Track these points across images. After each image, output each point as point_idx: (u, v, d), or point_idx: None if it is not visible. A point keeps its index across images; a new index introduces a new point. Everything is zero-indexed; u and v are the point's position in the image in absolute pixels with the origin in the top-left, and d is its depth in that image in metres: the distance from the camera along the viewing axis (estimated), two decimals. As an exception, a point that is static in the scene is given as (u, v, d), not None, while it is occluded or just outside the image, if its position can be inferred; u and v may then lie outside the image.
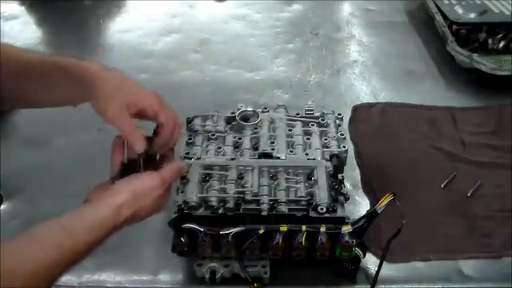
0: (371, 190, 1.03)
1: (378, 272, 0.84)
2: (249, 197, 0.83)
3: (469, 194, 1.02)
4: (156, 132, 0.80)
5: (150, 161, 0.81)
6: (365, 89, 1.33)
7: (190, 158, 0.90)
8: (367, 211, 0.82)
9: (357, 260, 0.84)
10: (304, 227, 0.79)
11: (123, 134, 0.77)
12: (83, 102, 0.79)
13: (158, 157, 0.83)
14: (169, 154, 0.83)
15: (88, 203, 0.72)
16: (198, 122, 0.98)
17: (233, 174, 0.87)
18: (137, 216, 0.73)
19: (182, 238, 0.80)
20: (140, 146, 0.76)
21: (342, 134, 0.96)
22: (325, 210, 0.81)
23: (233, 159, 0.90)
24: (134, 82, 0.79)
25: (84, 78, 0.76)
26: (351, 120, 1.20)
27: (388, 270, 0.88)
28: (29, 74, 0.79)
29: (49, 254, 0.62)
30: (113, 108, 0.74)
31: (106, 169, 0.82)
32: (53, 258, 0.63)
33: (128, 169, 0.79)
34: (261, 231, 0.79)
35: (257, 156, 0.91)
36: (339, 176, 0.89)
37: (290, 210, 0.82)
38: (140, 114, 0.78)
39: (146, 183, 0.74)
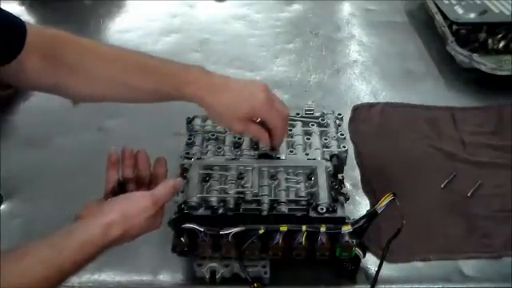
0: (371, 189, 1.03)
1: (377, 272, 0.84)
2: (249, 197, 0.83)
3: (469, 194, 1.02)
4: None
5: (143, 178, 0.81)
6: (365, 89, 1.32)
7: (190, 158, 0.90)
8: (367, 211, 0.82)
9: (357, 260, 0.84)
10: (304, 227, 0.79)
11: (254, 138, 0.90)
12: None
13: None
14: (161, 171, 0.83)
15: (78, 221, 0.71)
16: (198, 122, 0.98)
17: (233, 174, 0.87)
18: (127, 235, 0.72)
19: (181, 238, 0.80)
20: (268, 145, 0.88)
21: (342, 134, 0.96)
22: (325, 209, 0.81)
23: (233, 159, 0.90)
24: (245, 89, 0.83)
25: (189, 86, 0.81)
26: (351, 120, 1.20)
27: (388, 270, 0.88)
28: (132, 78, 0.82)
29: (36, 271, 0.62)
30: (232, 123, 0.83)
31: (105, 169, 0.82)
32: (40, 276, 0.62)
33: (123, 186, 0.79)
34: (261, 231, 0.79)
35: (257, 156, 0.91)
36: (339, 176, 0.89)
37: (290, 209, 0.82)
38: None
39: (137, 203, 0.73)
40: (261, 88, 0.84)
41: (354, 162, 1.10)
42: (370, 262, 0.89)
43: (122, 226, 0.70)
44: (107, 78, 0.82)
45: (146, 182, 0.82)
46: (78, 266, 0.67)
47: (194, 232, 0.80)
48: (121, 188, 0.79)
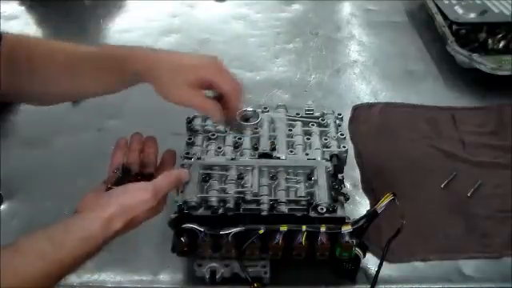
0: (371, 189, 1.03)
1: (377, 272, 0.84)
2: (249, 197, 0.83)
3: (469, 194, 1.02)
4: (220, 101, 0.80)
5: (148, 164, 0.81)
6: (365, 89, 1.33)
7: (190, 158, 0.90)
8: (367, 211, 0.82)
9: (357, 260, 0.84)
10: (304, 227, 0.79)
11: (199, 110, 0.80)
12: (128, 86, 0.81)
13: (158, 162, 0.83)
14: (169, 159, 0.82)
15: (77, 215, 0.71)
16: (197, 122, 0.98)
17: (233, 174, 0.87)
18: (129, 226, 0.71)
19: (182, 238, 0.80)
20: (219, 118, 0.80)
21: (342, 134, 0.96)
22: (325, 210, 0.81)
23: (233, 159, 0.90)
24: (189, 56, 0.79)
25: (134, 63, 0.77)
26: (351, 120, 1.20)
27: (388, 269, 0.88)
28: (77, 67, 0.79)
29: (37, 267, 0.62)
30: (177, 93, 0.77)
31: (106, 169, 0.82)
32: (39, 272, 0.62)
33: (126, 171, 0.79)
34: (261, 231, 0.79)
35: (257, 156, 0.91)
36: (339, 176, 0.89)
37: (290, 209, 0.82)
38: (204, 86, 0.78)
39: (137, 196, 0.72)
40: (209, 56, 0.80)
41: (354, 162, 1.10)
42: (370, 262, 0.89)
43: (123, 219, 0.70)
44: (54, 73, 0.80)
45: (151, 170, 0.81)
46: (79, 262, 0.66)
47: (194, 232, 0.80)
48: (124, 173, 0.78)
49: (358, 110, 1.24)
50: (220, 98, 0.81)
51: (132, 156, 0.81)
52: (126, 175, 0.79)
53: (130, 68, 0.78)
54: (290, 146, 0.94)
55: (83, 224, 0.68)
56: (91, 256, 0.68)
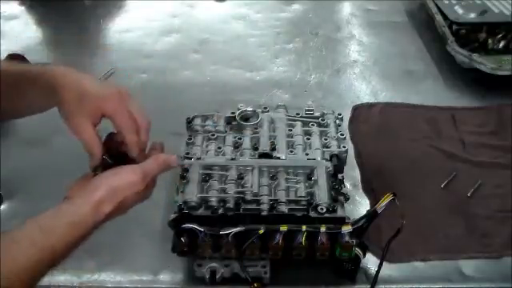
0: (371, 189, 1.03)
1: (377, 272, 0.84)
2: (249, 197, 0.83)
3: (469, 194, 1.02)
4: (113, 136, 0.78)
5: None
6: (365, 89, 1.33)
7: (190, 158, 0.90)
8: (367, 211, 0.82)
9: (357, 260, 0.84)
10: (304, 227, 0.79)
11: (84, 146, 0.76)
12: (53, 107, 0.78)
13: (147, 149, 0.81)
14: (157, 147, 0.81)
15: (67, 200, 0.70)
16: (197, 121, 0.98)
17: (233, 174, 0.86)
18: (119, 209, 0.70)
19: (181, 238, 0.80)
20: (95, 161, 0.76)
21: (342, 134, 0.96)
22: (325, 210, 0.81)
23: (233, 159, 0.89)
24: (96, 86, 0.76)
25: (50, 84, 0.75)
26: (351, 120, 1.20)
27: (388, 269, 0.88)
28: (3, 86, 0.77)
29: (27, 255, 0.61)
30: (75, 121, 0.75)
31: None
32: (31, 259, 0.61)
33: (115, 159, 0.78)
34: (261, 231, 0.79)
35: (257, 156, 0.91)
36: (339, 176, 0.89)
37: (289, 209, 0.82)
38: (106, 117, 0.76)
39: (126, 178, 0.71)
40: (117, 87, 0.77)
41: (354, 161, 1.10)
42: (370, 262, 0.89)
43: (113, 202, 0.69)
44: None
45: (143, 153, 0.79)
46: (70, 247, 0.65)
47: (194, 232, 0.80)
48: (113, 159, 0.77)
49: (358, 109, 1.24)
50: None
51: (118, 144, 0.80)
52: (115, 162, 0.78)
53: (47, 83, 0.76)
54: (290, 145, 0.94)
55: (72, 209, 0.67)
56: (83, 240, 0.67)
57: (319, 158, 0.90)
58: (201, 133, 0.95)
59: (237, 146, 0.93)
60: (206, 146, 0.93)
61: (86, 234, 0.67)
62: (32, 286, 0.62)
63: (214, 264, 0.84)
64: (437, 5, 1.45)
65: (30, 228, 0.64)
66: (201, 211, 0.82)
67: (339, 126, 0.99)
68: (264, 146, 0.92)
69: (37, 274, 0.62)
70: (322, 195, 0.83)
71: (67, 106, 0.75)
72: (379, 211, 0.80)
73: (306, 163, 0.89)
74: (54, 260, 0.64)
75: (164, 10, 1.63)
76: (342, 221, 0.80)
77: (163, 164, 0.76)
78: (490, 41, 1.35)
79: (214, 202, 0.82)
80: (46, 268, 0.64)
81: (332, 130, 0.97)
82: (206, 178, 0.86)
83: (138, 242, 0.94)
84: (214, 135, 0.95)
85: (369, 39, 1.52)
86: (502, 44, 1.34)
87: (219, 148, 0.92)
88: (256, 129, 0.96)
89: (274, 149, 0.92)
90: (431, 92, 1.31)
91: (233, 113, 0.99)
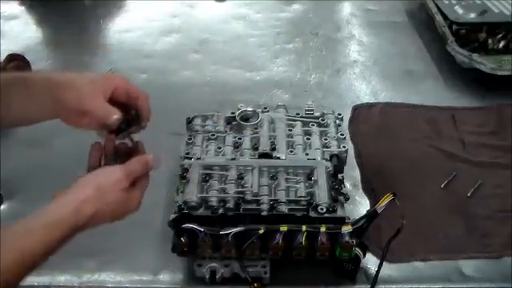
0: (371, 189, 1.03)
1: (377, 272, 0.84)
2: (249, 197, 0.83)
3: (469, 194, 1.02)
4: (131, 112, 0.79)
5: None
6: (365, 89, 1.33)
7: (190, 158, 0.90)
8: (367, 211, 0.82)
9: (357, 260, 0.84)
10: (304, 227, 0.79)
11: (99, 113, 0.76)
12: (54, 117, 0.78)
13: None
14: (139, 147, 0.81)
15: (52, 200, 0.69)
16: (197, 121, 0.98)
17: (233, 174, 0.87)
18: (100, 215, 0.69)
19: (181, 238, 0.80)
20: (114, 119, 0.76)
21: (342, 134, 0.96)
22: (325, 210, 0.81)
23: (233, 159, 0.90)
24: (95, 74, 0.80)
25: (48, 83, 0.76)
26: (351, 120, 1.20)
27: (388, 269, 0.88)
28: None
29: (8, 258, 0.60)
30: (97, 103, 0.75)
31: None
32: (12, 262, 0.60)
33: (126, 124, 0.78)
34: (261, 231, 0.79)
35: (257, 156, 0.91)
36: (339, 176, 0.89)
37: (289, 209, 0.82)
38: (113, 99, 0.77)
39: (109, 175, 0.71)
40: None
41: (354, 161, 1.10)
42: (370, 262, 0.89)
43: (96, 203, 0.68)
44: None
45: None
46: (48, 250, 0.63)
47: (194, 232, 0.80)
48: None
49: (358, 109, 1.24)
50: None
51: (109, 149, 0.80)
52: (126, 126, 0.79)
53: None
54: (290, 145, 0.94)
55: (53, 209, 0.66)
56: (63, 242, 0.65)
57: (319, 158, 0.90)
58: (201, 133, 0.95)
59: (237, 146, 0.93)
60: (206, 146, 0.93)
61: (67, 236, 0.65)
62: (14, 287, 0.61)
63: (214, 264, 0.84)
64: (437, 5, 1.45)
65: (14, 229, 0.63)
66: (201, 211, 0.82)
67: (339, 125, 0.99)
68: (264, 146, 0.92)
69: (17, 275, 0.61)
70: (322, 195, 0.83)
71: (77, 93, 0.75)
72: (379, 211, 0.80)
73: (305, 163, 0.89)
74: (35, 262, 0.62)
75: (164, 10, 1.63)
76: (342, 221, 0.80)
77: (145, 163, 0.76)
78: (490, 41, 1.35)
79: (214, 202, 0.82)
80: (27, 270, 0.62)
81: (332, 130, 0.97)
82: (206, 178, 0.86)
83: (138, 242, 0.94)
84: (213, 135, 0.95)
85: (369, 39, 1.52)
86: (502, 44, 1.34)
87: (219, 148, 0.92)
88: (256, 129, 0.96)
89: (274, 149, 0.92)
90: (431, 92, 1.31)
91: (233, 113, 0.99)
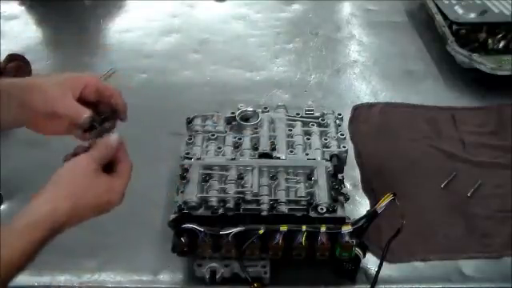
0: (371, 189, 1.03)
1: (378, 272, 0.84)
2: (249, 197, 0.83)
3: (469, 194, 1.02)
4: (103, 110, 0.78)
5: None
6: (365, 89, 1.33)
7: (190, 158, 0.90)
8: (367, 211, 0.82)
9: (357, 260, 0.84)
10: (304, 227, 0.79)
11: (69, 113, 0.75)
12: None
13: None
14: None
15: (30, 201, 0.67)
16: (197, 121, 0.98)
17: (233, 174, 0.87)
18: (81, 208, 0.67)
19: (181, 238, 0.80)
20: (85, 117, 0.74)
21: (342, 134, 0.96)
22: (325, 209, 0.81)
23: (233, 159, 0.90)
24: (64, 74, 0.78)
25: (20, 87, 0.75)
26: (351, 120, 1.20)
27: (388, 269, 0.88)
28: None
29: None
30: (65, 104, 0.74)
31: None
32: (2, 260, 0.58)
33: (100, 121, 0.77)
34: (261, 231, 0.79)
35: (257, 156, 0.91)
36: (339, 176, 0.89)
37: (289, 209, 0.82)
38: (83, 98, 0.76)
39: (76, 164, 0.71)
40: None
41: (354, 162, 1.10)
42: (370, 262, 0.89)
43: (72, 198, 0.67)
44: None
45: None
46: (33, 249, 0.62)
47: (194, 232, 0.80)
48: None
49: (358, 110, 1.24)
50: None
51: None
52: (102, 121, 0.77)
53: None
54: (290, 145, 0.94)
55: (31, 209, 0.65)
56: (41, 246, 0.63)
57: (319, 158, 0.90)
58: (201, 133, 0.95)
59: (237, 146, 0.93)
60: (206, 146, 0.93)
61: (48, 236, 0.63)
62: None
63: (214, 264, 0.84)
64: (437, 5, 1.45)
65: (4, 227, 0.62)
66: (201, 211, 0.82)
67: (339, 125, 0.99)
68: (264, 146, 0.92)
69: (3, 276, 0.59)
70: (322, 195, 0.83)
71: (44, 95, 0.73)
72: (379, 211, 0.80)
73: (305, 163, 0.89)
74: (12, 271, 0.60)
75: (164, 10, 1.63)
76: (342, 221, 0.80)
77: (109, 144, 0.74)
78: (490, 41, 1.35)
79: (214, 202, 0.82)
80: (6, 280, 0.60)
81: (332, 129, 0.97)
82: (206, 178, 0.86)
83: (138, 242, 0.94)
84: (213, 135, 0.95)
85: (369, 39, 1.52)
86: (502, 44, 1.34)
87: (219, 148, 0.92)
88: (256, 129, 0.96)
89: (274, 149, 0.92)
90: (431, 92, 1.31)
91: (233, 113, 0.99)
